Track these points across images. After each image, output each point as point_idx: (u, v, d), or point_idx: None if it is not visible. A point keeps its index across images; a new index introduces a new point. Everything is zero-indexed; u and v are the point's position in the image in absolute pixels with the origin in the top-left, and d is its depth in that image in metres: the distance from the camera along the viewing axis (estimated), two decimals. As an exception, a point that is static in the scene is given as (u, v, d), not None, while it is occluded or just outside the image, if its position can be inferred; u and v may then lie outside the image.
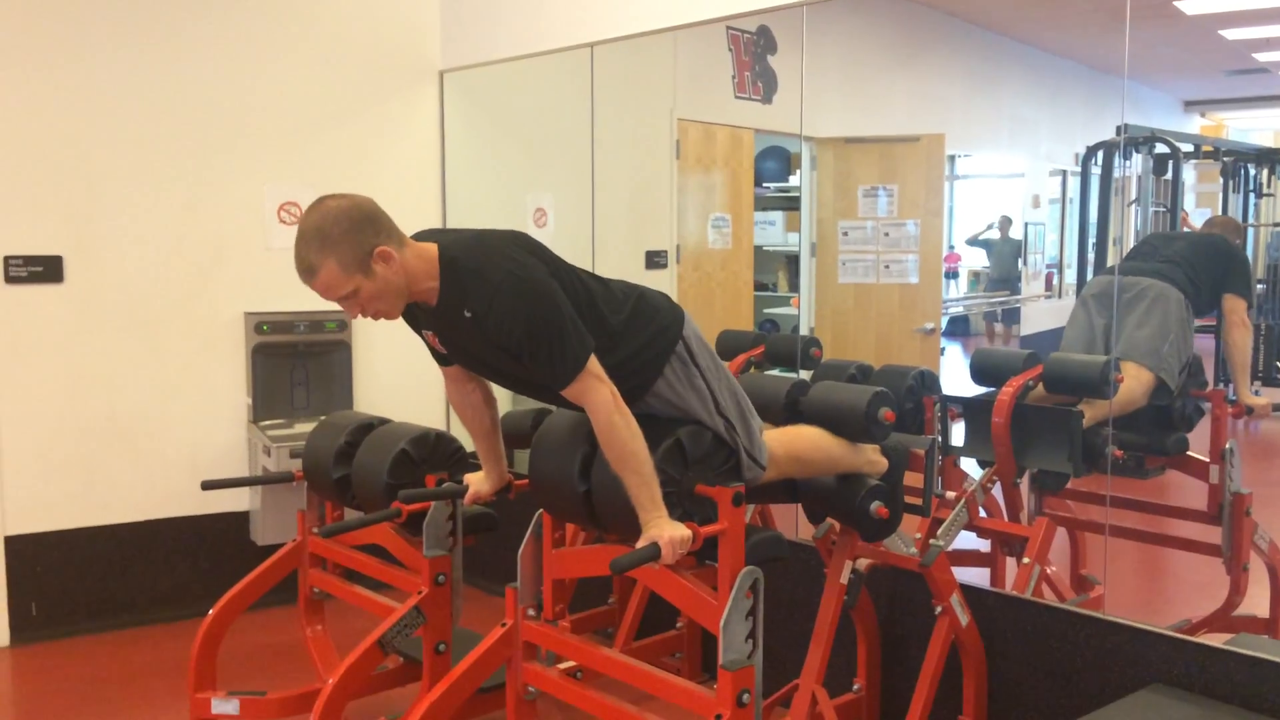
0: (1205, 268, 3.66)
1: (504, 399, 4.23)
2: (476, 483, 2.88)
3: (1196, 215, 4.52)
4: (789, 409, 2.87)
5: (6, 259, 4.16)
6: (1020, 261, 5.31)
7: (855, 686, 3.25)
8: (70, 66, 4.24)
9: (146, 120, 4.39)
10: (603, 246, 4.67)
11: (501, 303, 2.18)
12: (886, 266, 5.08)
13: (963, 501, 3.29)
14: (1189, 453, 3.59)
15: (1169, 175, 4.33)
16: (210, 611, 3.36)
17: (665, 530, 2.24)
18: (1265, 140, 4.43)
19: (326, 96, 4.77)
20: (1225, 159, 4.33)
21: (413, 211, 5.02)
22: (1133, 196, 4.39)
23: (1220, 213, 4.26)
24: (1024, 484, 3.58)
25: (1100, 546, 3.48)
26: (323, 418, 3.62)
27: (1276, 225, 4.26)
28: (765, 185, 5.62)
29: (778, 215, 5.70)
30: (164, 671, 4.00)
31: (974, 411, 3.62)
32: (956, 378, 5.04)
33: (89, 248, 4.31)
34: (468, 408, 2.73)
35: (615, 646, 3.67)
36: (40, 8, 4.17)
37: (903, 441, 2.82)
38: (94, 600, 4.41)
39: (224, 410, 4.61)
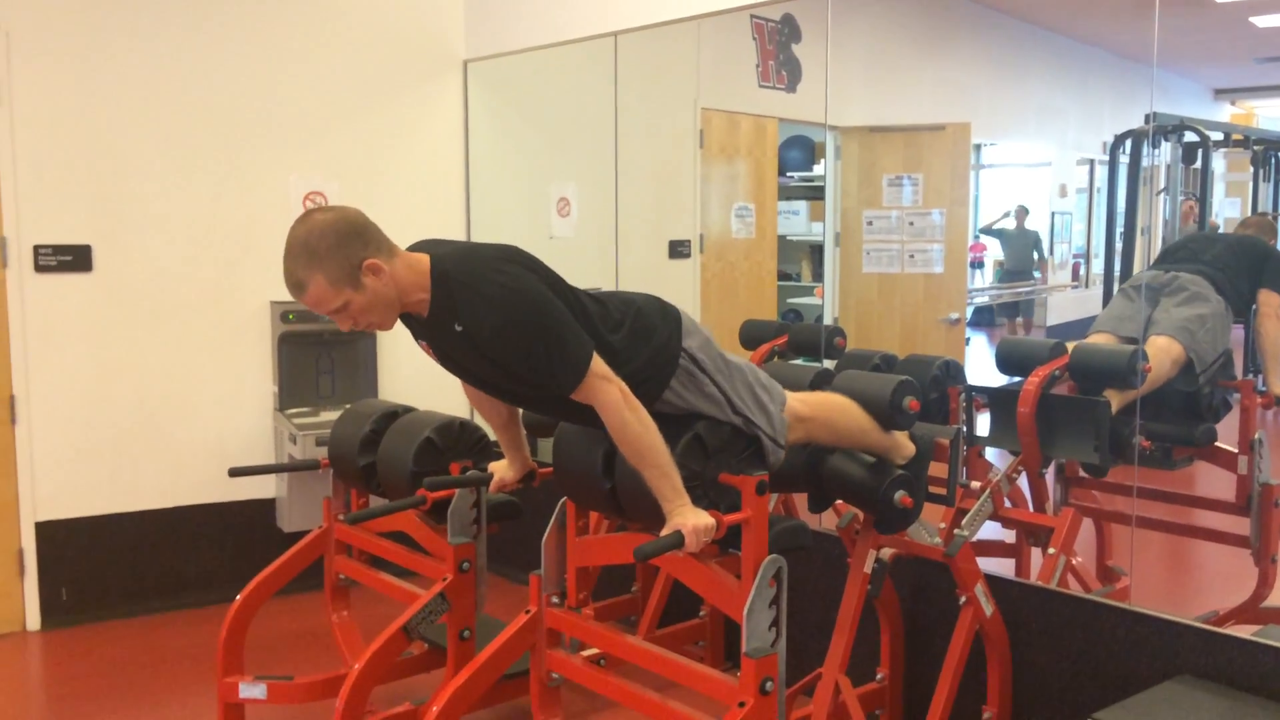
0: (1244, 272, 3.63)
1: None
2: (500, 470, 2.89)
3: (1226, 205, 4.47)
4: (813, 398, 2.85)
5: (36, 248, 4.21)
6: (1037, 253, 5.26)
7: (879, 676, 3.24)
8: (100, 58, 4.27)
9: (174, 111, 4.42)
10: (626, 236, 4.67)
11: (496, 315, 2.16)
12: (911, 256, 5.05)
13: (988, 492, 3.28)
14: (1217, 443, 3.56)
15: (1198, 164, 4.29)
16: (238, 597, 3.39)
17: (689, 518, 2.24)
18: (1296, 128, 4.38)
19: (351, 87, 4.79)
20: (1255, 148, 4.29)
21: (436, 202, 5.04)
22: (1161, 186, 4.34)
23: (1250, 201, 4.22)
24: (1049, 474, 3.56)
25: (1126, 537, 3.46)
26: (348, 406, 3.64)
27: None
28: (789, 174, 5.59)
29: (802, 205, 5.68)
30: (192, 656, 4.05)
31: (1000, 401, 3.60)
32: (981, 368, 5.02)
33: (117, 237, 4.35)
34: (484, 401, 2.73)
35: (638, 634, 3.68)
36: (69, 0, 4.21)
37: (928, 431, 2.81)
38: (123, 585, 4.46)
39: (250, 398, 4.65)
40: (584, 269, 5.20)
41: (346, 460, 3.37)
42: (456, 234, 5.07)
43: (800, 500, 3.63)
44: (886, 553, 3.05)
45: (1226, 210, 4.40)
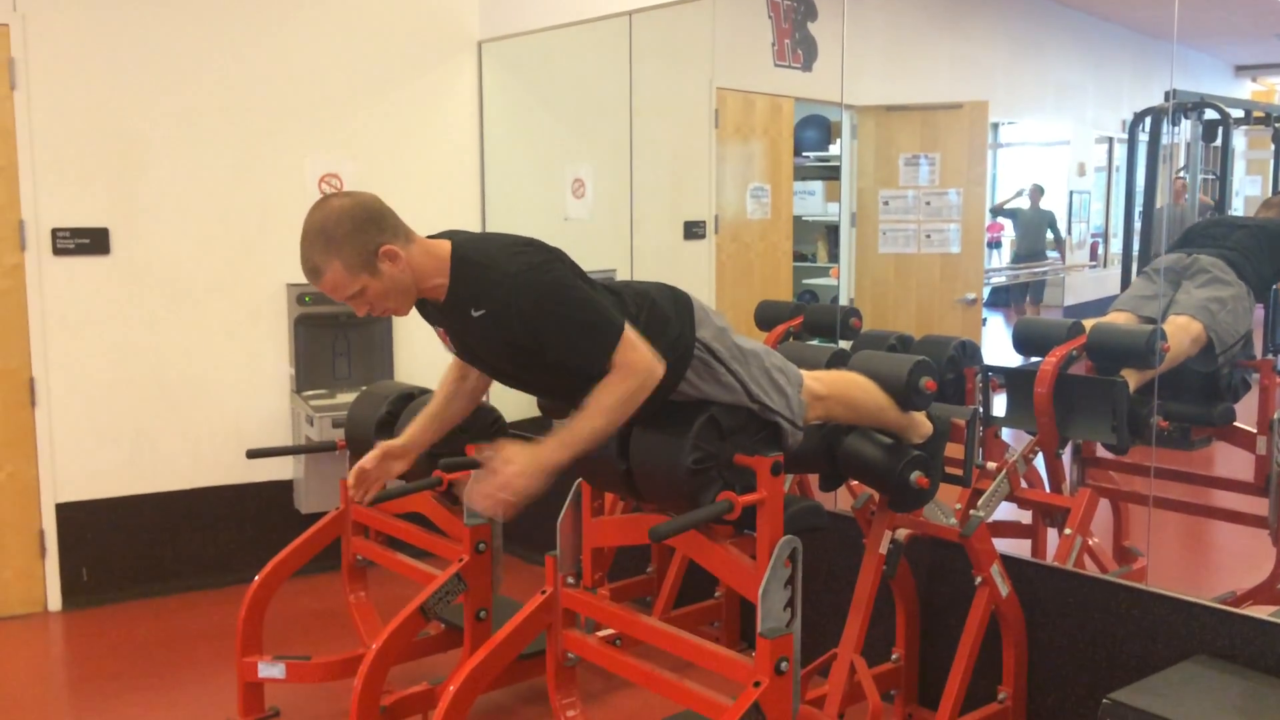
0: (1266, 255, 3.61)
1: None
2: (396, 449, 2.76)
3: (1247, 183, 4.43)
4: (829, 378, 2.85)
5: (54, 231, 4.23)
6: (1052, 234, 5.23)
7: (894, 656, 3.25)
8: (116, 43, 4.28)
9: (191, 94, 4.43)
10: (641, 217, 4.66)
11: (520, 295, 2.14)
12: (928, 236, 5.03)
13: (1004, 472, 3.27)
14: (1236, 423, 3.54)
15: (1219, 142, 4.25)
16: (256, 578, 3.41)
17: (520, 459, 2.17)
18: (1319, 105, 4.34)
19: (366, 69, 4.78)
20: (1277, 125, 4.24)
21: (451, 183, 5.04)
22: (1181, 164, 4.31)
23: (1271, 179, 4.18)
24: (1066, 455, 3.55)
25: (1143, 518, 3.45)
26: (364, 388, 3.66)
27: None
28: (805, 154, 5.57)
29: (817, 185, 5.65)
30: (211, 636, 4.08)
31: (1017, 382, 3.59)
32: (998, 348, 5.00)
33: (135, 220, 4.37)
34: (458, 396, 2.67)
35: (654, 614, 3.69)
36: (84, -19, 4.21)
37: (944, 412, 2.80)
38: (143, 566, 4.50)
39: (267, 380, 4.67)
40: (599, 250, 5.19)
41: (363, 442, 3.38)
42: (472, 214, 5.07)
43: (815, 481, 3.64)
44: (902, 533, 3.05)
45: (1247, 188, 4.36)
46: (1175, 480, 3.64)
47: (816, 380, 2.57)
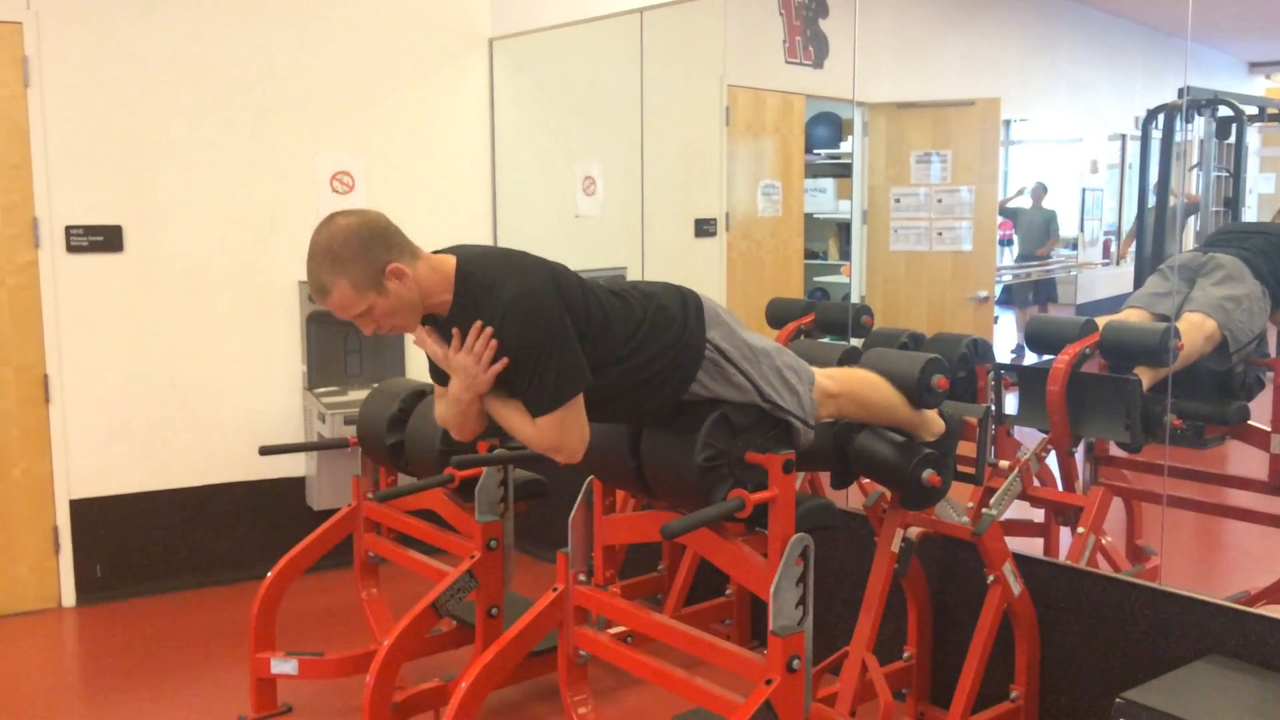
0: None
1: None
2: None
3: (1261, 180, 4.41)
4: (840, 376, 2.84)
5: (68, 229, 4.25)
6: (1051, 234, 5.22)
7: (906, 654, 3.24)
8: (129, 40, 4.30)
9: (203, 92, 4.45)
10: (652, 215, 4.67)
11: (509, 318, 2.16)
12: (939, 234, 5.02)
13: (1016, 471, 3.26)
14: (1250, 422, 3.52)
15: (1232, 139, 4.23)
16: (269, 574, 3.43)
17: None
18: (1333, 102, 4.31)
19: (378, 66, 4.79)
20: (1292, 121, 4.22)
21: (462, 180, 5.05)
22: (1194, 161, 4.29)
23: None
24: (1079, 453, 3.53)
25: (1157, 517, 3.44)
26: (376, 385, 3.66)
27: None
28: (816, 152, 5.56)
29: (828, 182, 5.65)
30: (224, 632, 4.10)
31: (1029, 380, 3.58)
32: (1010, 346, 4.99)
33: (148, 217, 4.39)
34: (469, 422, 2.47)
35: (665, 612, 3.69)
36: (97, -20, 4.23)
37: (956, 410, 2.80)
38: (156, 562, 4.52)
39: (280, 378, 4.69)
40: (610, 248, 5.20)
41: (375, 439, 3.40)
42: (482, 212, 5.08)
43: (826, 479, 3.63)
44: (914, 531, 3.04)
45: (1261, 185, 4.35)
46: (1189, 479, 3.62)
47: (829, 378, 2.56)
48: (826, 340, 4.07)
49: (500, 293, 2.16)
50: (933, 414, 2.71)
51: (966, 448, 2.81)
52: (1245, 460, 3.65)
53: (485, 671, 2.69)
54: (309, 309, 4.65)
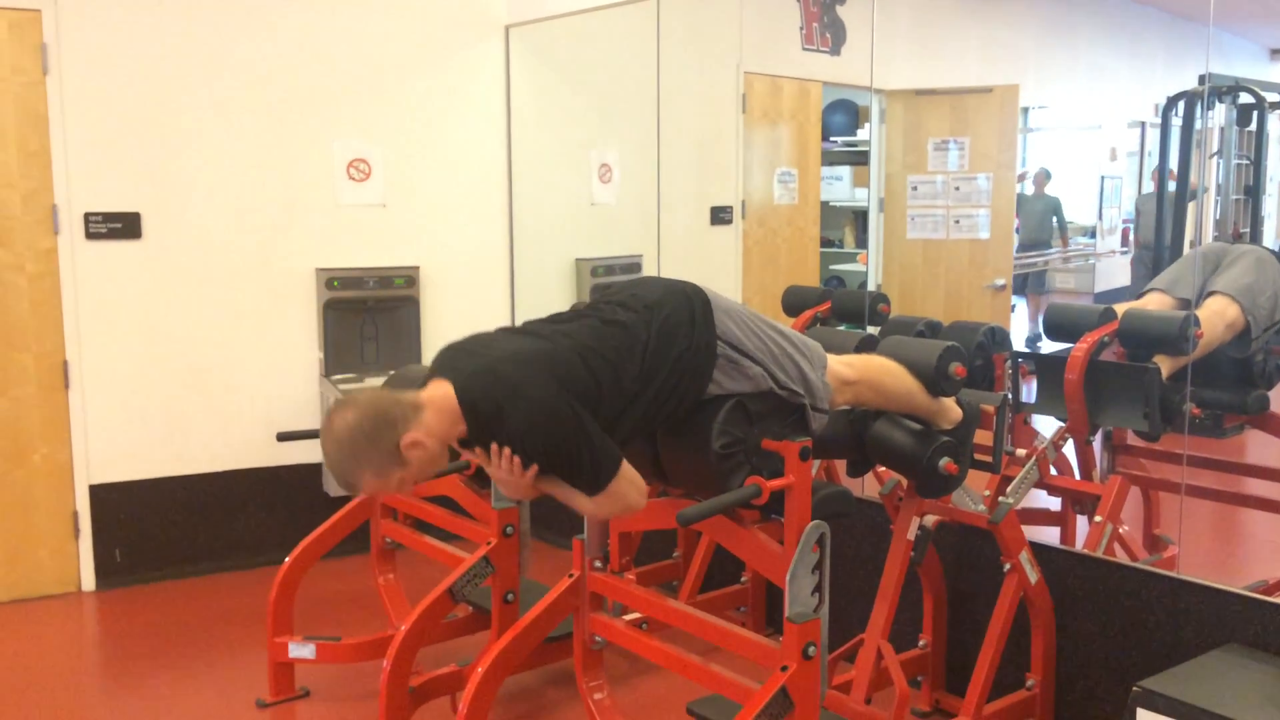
0: None
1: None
2: None
3: (1280, 167, 4.37)
4: (857, 364, 2.83)
5: (87, 215, 4.27)
6: (1056, 221, 5.18)
7: (921, 642, 3.24)
8: (147, 28, 4.31)
9: (220, 80, 4.46)
10: (668, 202, 4.66)
11: (530, 440, 2.19)
12: (956, 222, 5.00)
13: (1034, 459, 3.25)
14: (1271, 410, 3.50)
15: (1253, 126, 4.20)
16: (286, 559, 3.45)
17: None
18: (1357, 89, 4.27)
19: (395, 53, 4.79)
20: (1314, 109, 4.18)
21: (478, 168, 5.05)
22: (1214, 149, 4.26)
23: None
24: (1097, 442, 3.52)
25: (1175, 506, 3.42)
26: (392, 372, 3.68)
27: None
28: (832, 139, 5.54)
29: (845, 170, 5.62)
30: (242, 616, 4.13)
31: (1047, 368, 3.56)
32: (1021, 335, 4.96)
33: (166, 204, 4.41)
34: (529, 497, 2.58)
35: (680, 599, 3.70)
36: (115, -33, 4.24)
37: (974, 398, 2.79)
38: (175, 547, 4.55)
39: (297, 364, 4.70)
40: (626, 236, 5.19)
41: (391, 425, 3.40)
42: (498, 200, 5.07)
43: (843, 466, 3.63)
44: (930, 519, 3.04)
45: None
46: (1207, 468, 3.60)
47: (846, 365, 2.56)
48: (843, 328, 4.06)
49: (510, 417, 2.18)
50: (950, 402, 2.71)
51: (984, 436, 2.81)
52: (1265, 449, 3.63)
53: (501, 657, 2.70)
54: (326, 295, 4.67)
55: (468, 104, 4.99)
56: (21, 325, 4.22)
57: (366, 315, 4.80)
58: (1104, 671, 2.99)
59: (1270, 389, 3.50)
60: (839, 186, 5.59)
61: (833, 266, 5.61)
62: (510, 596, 3.13)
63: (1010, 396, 3.50)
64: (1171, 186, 4.68)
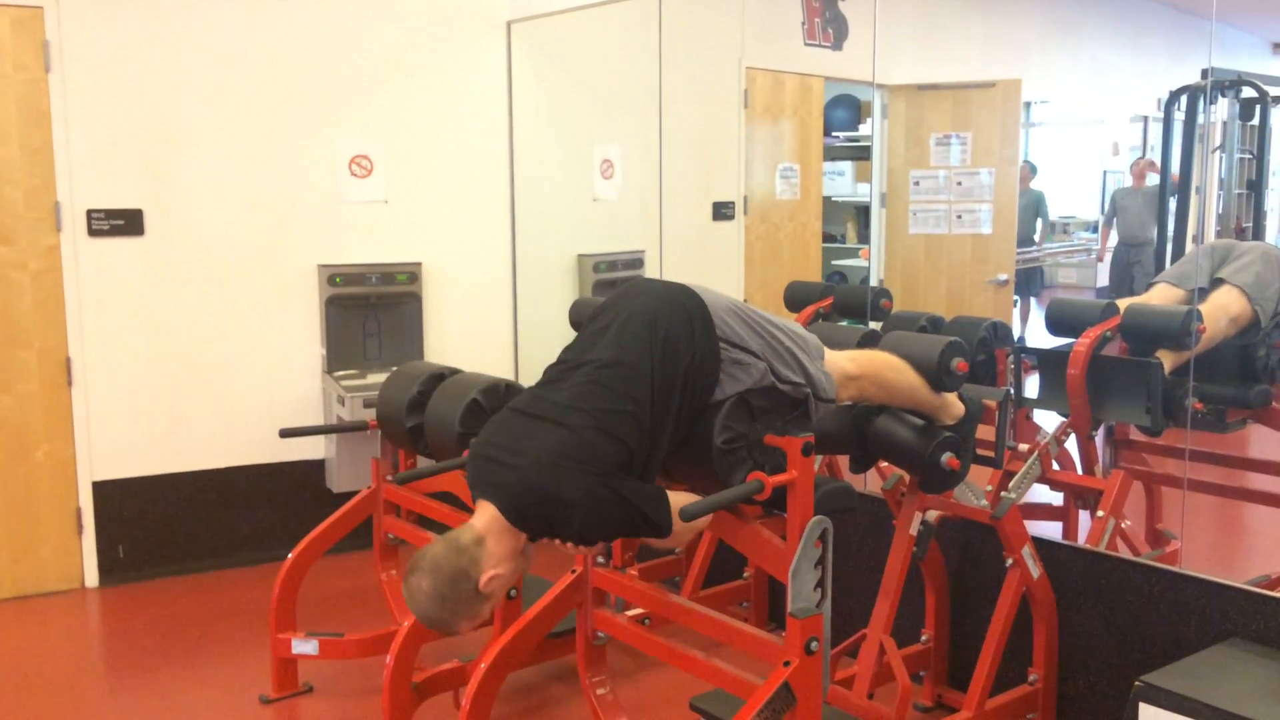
0: None
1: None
2: None
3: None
4: (859, 359, 2.83)
5: (89, 212, 4.27)
6: (1040, 218, 5.17)
7: (923, 637, 3.25)
8: (149, 24, 4.31)
9: (223, 76, 4.46)
10: (670, 198, 4.65)
11: (586, 534, 2.24)
12: (959, 217, 5.00)
13: (1036, 454, 3.25)
14: (1273, 405, 3.49)
15: (1256, 121, 4.19)
16: (289, 555, 3.45)
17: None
18: (1360, 83, 4.26)
19: (396, 49, 4.79)
20: (1316, 103, 4.18)
21: (480, 164, 5.04)
22: (1217, 143, 4.25)
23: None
24: (1099, 437, 3.52)
25: (1177, 501, 3.42)
26: (395, 368, 3.68)
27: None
28: (834, 134, 5.53)
29: (847, 165, 5.62)
30: (245, 612, 4.13)
31: (1049, 363, 3.56)
32: (1029, 329, 4.96)
33: (168, 201, 4.41)
34: None
35: (683, 594, 3.70)
36: (117, -36, 4.24)
37: (976, 393, 2.79)
38: (178, 544, 4.56)
39: (299, 361, 4.71)
40: (628, 231, 5.19)
41: (394, 421, 3.41)
42: (501, 196, 5.07)
43: (845, 462, 3.63)
44: (932, 515, 3.04)
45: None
46: (1210, 463, 3.60)
47: (849, 360, 2.55)
48: (845, 323, 4.06)
49: (560, 525, 2.22)
50: (952, 397, 2.71)
51: (986, 431, 2.80)
52: (1267, 444, 3.63)
53: (504, 653, 2.70)
54: (328, 292, 4.67)
55: (470, 100, 4.99)
56: (24, 322, 4.23)
57: (369, 312, 4.81)
58: (1106, 666, 2.99)
59: (1273, 383, 3.50)
60: (841, 182, 5.59)
61: (835, 262, 5.60)
62: (513, 592, 3.12)
63: (1012, 391, 3.51)
64: (1154, 180, 4.69)
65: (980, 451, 2.80)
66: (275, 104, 4.56)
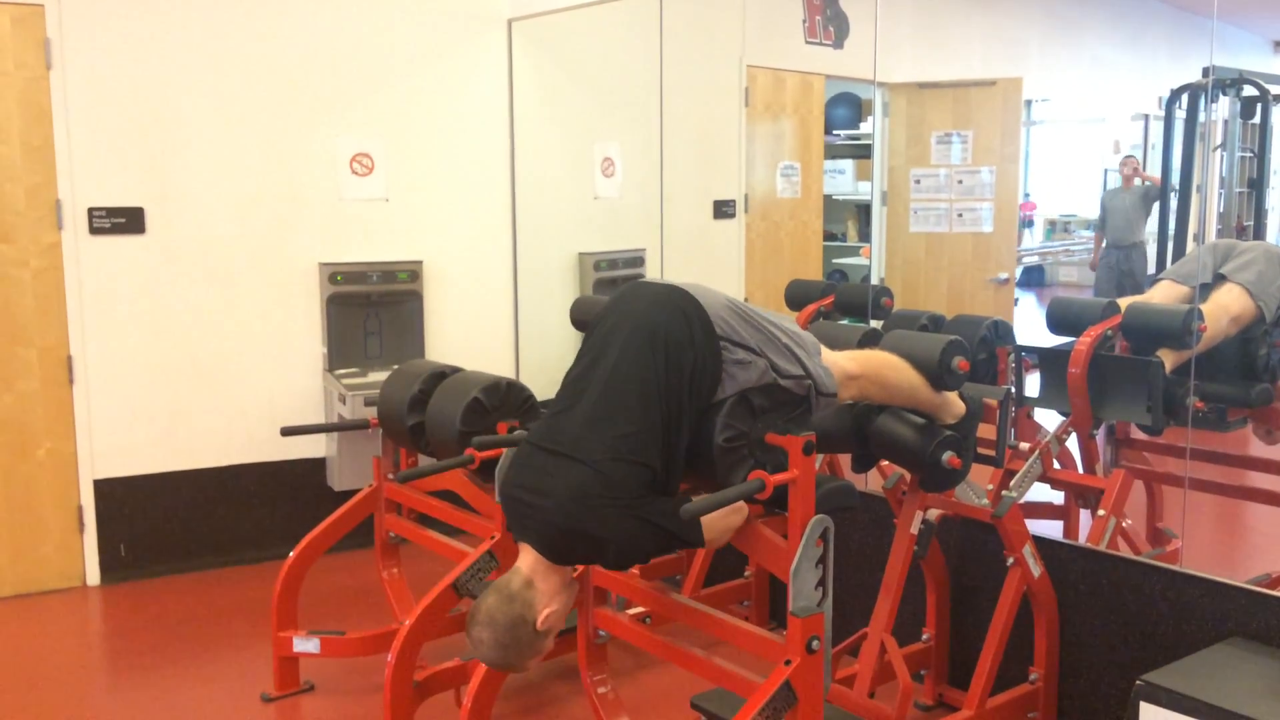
0: None
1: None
2: None
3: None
4: (860, 358, 2.83)
5: (90, 210, 4.27)
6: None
7: (924, 636, 3.25)
8: (150, 22, 4.31)
9: (223, 75, 4.46)
10: (671, 196, 4.65)
11: (625, 563, 2.31)
12: (960, 215, 5.00)
13: (1037, 453, 3.25)
14: (1274, 404, 3.49)
15: (1257, 119, 4.19)
16: (291, 554, 3.46)
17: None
18: (1362, 81, 4.26)
19: (397, 47, 4.79)
20: (1318, 101, 4.18)
21: (481, 162, 5.04)
22: (1218, 141, 4.25)
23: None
24: (1100, 436, 3.52)
25: (1178, 500, 3.42)
26: (396, 366, 3.68)
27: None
28: (835, 133, 5.53)
29: (848, 163, 5.61)
30: (247, 611, 4.14)
31: (1050, 362, 3.56)
32: (1030, 328, 4.96)
33: (169, 199, 4.41)
34: None
35: (684, 593, 3.70)
36: (118, -38, 4.24)
37: (977, 392, 2.79)
38: (179, 542, 4.56)
39: (300, 359, 4.71)
40: (628, 230, 5.19)
41: (395, 420, 3.41)
42: (501, 193, 5.07)
43: (845, 460, 3.63)
44: (933, 514, 3.04)
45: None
46: (1211, 462, 3.60)
47: (850, 359, 2.55)
48: (846, 322, 4.06)
49: (598, 559, 2.29)
50: (953, 396, 2.71)
51: (987, 430, 2.81)
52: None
53: (506, 651, 2.70)
54: (329, 290, 4.67)
55: (470, 98, 4.99)
56: (26, 320, 4.23)
57: (370, 310, 4.81)
58: (1107, 665, 3.00)
59: (1274, 382, 3.50)
60: (842, 180, 5.59)
61: (835, 260, 5.60)
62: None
63: (1013, 390, 3.51)
64: (1138, 182, 4.69)
65: (981, 450, 2.80)
66: (276, 102, 4.56)
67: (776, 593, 3.83)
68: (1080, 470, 3.54)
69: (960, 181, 4.96)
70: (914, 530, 2.98)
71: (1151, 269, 4.48)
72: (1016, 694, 3.03)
